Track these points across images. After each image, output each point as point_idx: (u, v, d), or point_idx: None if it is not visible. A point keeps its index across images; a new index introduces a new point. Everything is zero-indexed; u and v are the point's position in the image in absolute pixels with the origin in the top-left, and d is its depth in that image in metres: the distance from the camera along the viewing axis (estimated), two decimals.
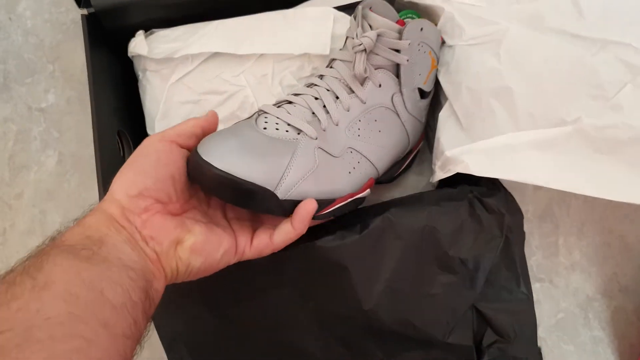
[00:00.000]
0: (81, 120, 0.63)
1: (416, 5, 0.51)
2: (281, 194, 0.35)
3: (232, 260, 0.36)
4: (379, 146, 0.43)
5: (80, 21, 0.49)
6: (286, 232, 0.37)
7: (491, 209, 0.42)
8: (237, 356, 0.45)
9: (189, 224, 0.34)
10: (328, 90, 0.41)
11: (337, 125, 0.39)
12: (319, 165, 0.37)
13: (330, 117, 0.39)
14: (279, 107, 0.39)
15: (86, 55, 0.47)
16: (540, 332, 0.56)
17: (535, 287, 0.58)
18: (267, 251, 0.38)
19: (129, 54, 0.52)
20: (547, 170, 0.38)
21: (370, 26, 0.40)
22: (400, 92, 0.43)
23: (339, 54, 0.42)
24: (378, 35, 0.40)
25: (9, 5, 0.67)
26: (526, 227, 0.47)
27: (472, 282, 0.42)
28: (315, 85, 0.41)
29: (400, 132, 0.45)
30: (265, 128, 0.36)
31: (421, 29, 0.42)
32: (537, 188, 0.61)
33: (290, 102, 0.40)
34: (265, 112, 0.38)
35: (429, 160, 0.56)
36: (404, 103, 0.43)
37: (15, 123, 0.62)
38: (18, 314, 0.23)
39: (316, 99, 0.40)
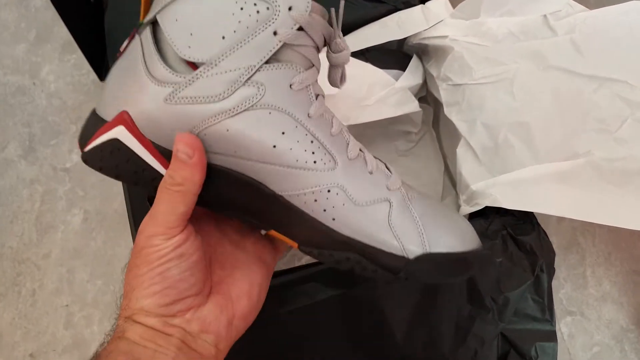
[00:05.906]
0: (105, 177, 0.66)
1: (425, 45, 0.56)
2: None
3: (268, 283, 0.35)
4: None
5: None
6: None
7: (524, 248, 0.45)
8: None
9: (231, 293, 0.32)
10: None
11: None
12: None
13: None
14: None
15: None
16: None
17: (567, 320, 0.59)
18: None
19: None
20: (565, 201, 0.41)
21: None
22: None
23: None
24: None
25: (32, 70, 0.73)
26: None
27: (501, 315, 0.45)
28: None
29: None
30: None
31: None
32: (561, 219, 0.63)
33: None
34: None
35: (449, 192, 0.59)
36: None
37: (41, 184, 0.67)
38: None
39: None
